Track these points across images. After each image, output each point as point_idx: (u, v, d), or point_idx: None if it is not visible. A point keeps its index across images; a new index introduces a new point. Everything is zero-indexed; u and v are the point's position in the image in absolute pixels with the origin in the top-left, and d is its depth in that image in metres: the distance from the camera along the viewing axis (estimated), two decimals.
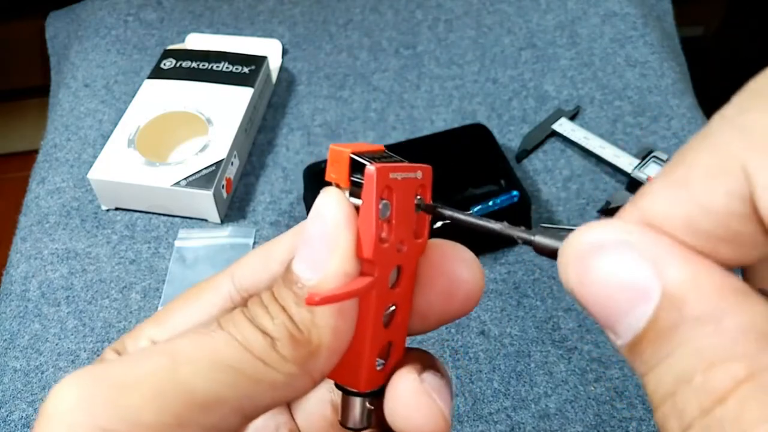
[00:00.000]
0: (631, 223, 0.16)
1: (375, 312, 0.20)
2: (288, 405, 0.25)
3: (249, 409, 0.19)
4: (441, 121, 0.70)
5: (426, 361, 0.23)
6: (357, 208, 0.19)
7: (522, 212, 0.58)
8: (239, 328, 0.19)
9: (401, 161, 0.20)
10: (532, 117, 0.70)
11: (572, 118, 0.68)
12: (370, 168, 0.19)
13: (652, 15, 0.81)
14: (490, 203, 0.57)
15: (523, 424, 0.49)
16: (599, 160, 0.64)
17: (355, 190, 0.20)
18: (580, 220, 0.61)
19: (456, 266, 0.22)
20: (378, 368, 0.22)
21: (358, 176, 0.19)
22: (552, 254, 0.19)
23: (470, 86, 0.73)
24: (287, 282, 0.20)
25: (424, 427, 0.21)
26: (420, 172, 0.21)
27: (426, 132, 0.68)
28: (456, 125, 0.67)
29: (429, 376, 0.22)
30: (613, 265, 0.16)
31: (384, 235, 0.20)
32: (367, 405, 0.22)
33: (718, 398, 0.14)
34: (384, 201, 0.19)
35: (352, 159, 0.20)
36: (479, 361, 0.53)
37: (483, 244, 0.59)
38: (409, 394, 0.21)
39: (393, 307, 0.21)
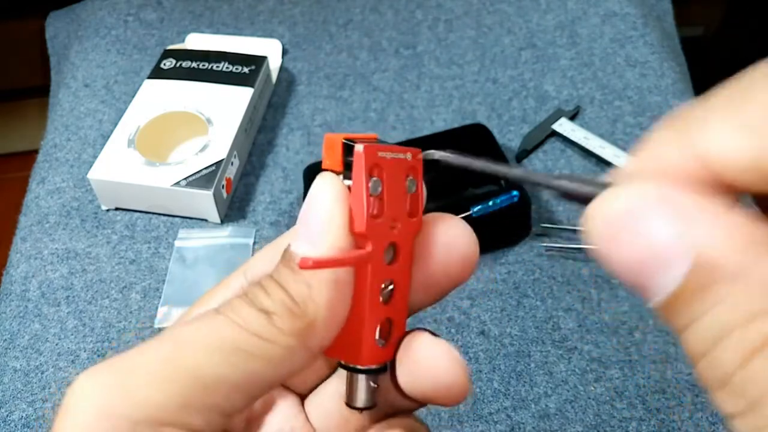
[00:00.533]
0: (673, 169, 0.16)
1: (371, 286, 0.21)
2: (302, 404, 0.25)
3: (252, 387, 0.20)
4: (441, 121, 0.70)
5: (427, 331, 0.23)
6: (350, 189, 0.20)
7: (522, 212, 0.58)
8: (236, 310, 0.20)
9: (391, 145, 0.21)
10: (532, 117, 0.70)
11: (572, 118, 0.68)
12: (359, 147, 0.20)
13: (652, 15, 0.81)
14: (490, 203, 0.57)
15: (523, 424, 0.49)
16: (599, 160, 0.64)
17: (347, 172, 0.21)
18: (580, 220, 0.61)
19: (449, 232, 0.23)
20: (380, 346, 0.22)
21: (350, 158, 0.20)
22: (580, 198, 0.19)
23: (470, 86, 0.73)
24: (285, 261, 0.21)
25: (448, 380, 0.22)
26: (410, 154, 0.22)
27: (426, 132, 0.68)
28: (456, 125, 0.67)
29: (438, 338, 0.23)
30: (644, 228, 0.16)
31: (375, 211, 0.20)
32: (371, 383, 0.22)
33: (757, 348, 0.14)
34: (374, 178, 0.20)
35: (344, 144, 0.21)
36: (479, 361, 0.53)
37: (483, 243, 0.59)
38: (428, 349, 0.22)
39: (391, 286, 0.22)
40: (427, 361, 0.22)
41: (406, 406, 0.25)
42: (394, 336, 0.22)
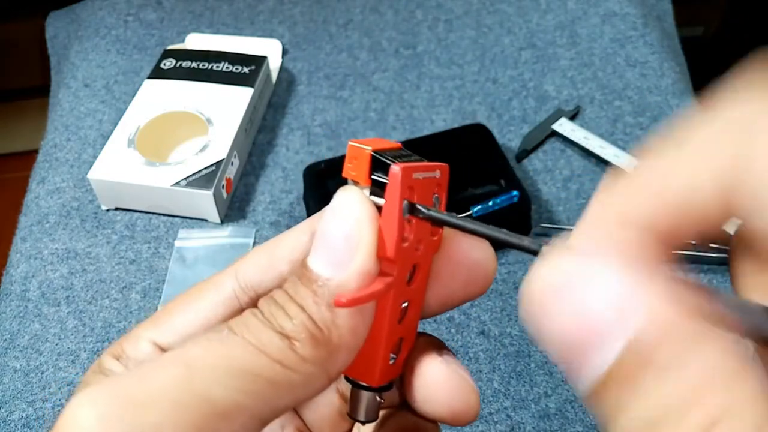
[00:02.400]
0: (599, 237, 0.16)
1: (392, 310, 0.20)
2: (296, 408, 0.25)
3: (267, 413, 0.19)
4: (441, 121, 0.70)
5: (436, 345, 0.23)
6: (377, 207, 0.19)
7: (522, 212, 0.58)
8: (254, 331, 0.19)
9: (420, 160, 0.20)
10: (532, 117, 0.70)
11: (572, 118, 0.68)
12: (395, 168, 0.19)
13: (652, 15, 0.81)
14: (490, 203, 0.57)
15: (523, 424, 0.49)
16: (599, 160, 0.64)
17: (376, 189, 0.20)
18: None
19: (471, 253, 0.22)
20: (390, 364, 0.22)
21: (380, 175, 0.20)
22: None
23: (470, 86, 0.73)
24: (305, 280, 0.19)
25: (461, 406, 0.22)
26: (438, 171, 0.21)
27: (426, 132, 0.68)
28: (456, 125, 0.67)
29: (449, 357, 0.22)
30: (579, 300, 0.15)
31: (405, 234, 0.20)
32: (378, 398, 0.22)
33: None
34: (406, 201, 0.19)
35: (373, 157, 0.20)
36: (479, 361, 0.53)
37: None
38: (441, 378, 0.22)
39: (406, 304, 0.21)
40: (440, 389, 0.22)
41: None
42: (403, 352, 0.22)
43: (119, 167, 0.61)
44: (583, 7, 0.80)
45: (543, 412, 0.50)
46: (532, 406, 0.50)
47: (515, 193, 0.58)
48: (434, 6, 0.83)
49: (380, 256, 0.19)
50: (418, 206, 0.20)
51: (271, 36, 0.80)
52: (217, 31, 0.81)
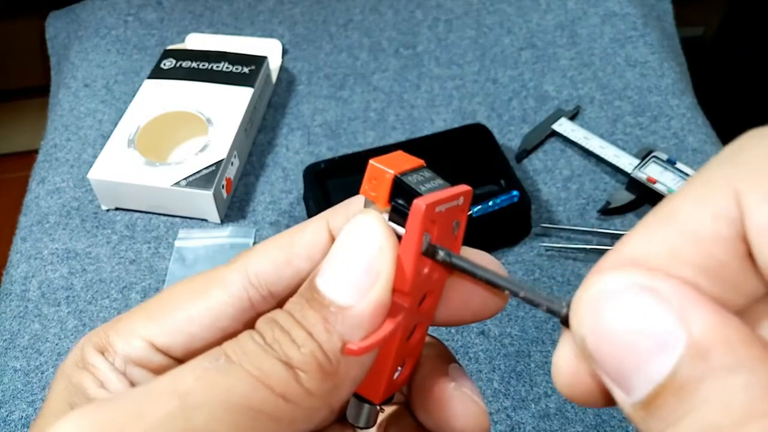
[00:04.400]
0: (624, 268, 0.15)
1: (401, 336, 0.20)
2: None
3: None
4: (441, 121, 0.70)
5: (445, 359, 0.22)
6: (396, 235, 0.19)
7: (522, 212, 0.58)
8: (254, 360, 0.17)
9: (444, 185, 0.20)
10: (532, 117, 0.70)
11: (572, 118, 0.68)
12: (420, 204, 0.18)
13: (652, 15, 0.81)
14: (490, 203, 0.57)
15: (523, 424, 0.49)
16: (599, 160, 0.64)
17: (394, 215, 0.19)
18: (580, 220, 0.61)
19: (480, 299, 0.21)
20: (394, 379, 0.21)
21: (401, 203, 0.19)
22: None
23: (470, 86, 0.73)
24: (316, 304, 0.18)
25: (474, 429, 0.21)
26: (462, 198, 0.20)
27: (426, 132, 0.68)
28: (456, 125, 0.67)
29: (459, 376, 0.22)
30: (632, 311, 0.14)
31: (421, 267, 0.19)
32: (379, 409, 0.21)
33: None
34: (426, 234, 0.19)
35: (395, 182, 0.19)
36: (479, 361, 0.53)
37: (483, 243, 0.59)
38: (456, 406, 0.21)
39: (415, 324, 0.21)
40: (453, 415, 0.21)
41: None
42: (408, 365, 0.22)
43: (119, 167, 0.60)
44: (583, 7, 0.80)
45: (543, 412, 0.50)
46: (532, 406, 0.50)
47: (515, 193, 0.58)
48: (434, 6, 0.83)
49: (396, 288, 0.18)
50: (438, 249, 0.19)
51: (271, 36, 0.80)
52: (217, 31, 0.81)
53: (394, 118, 0.71)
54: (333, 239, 0.20)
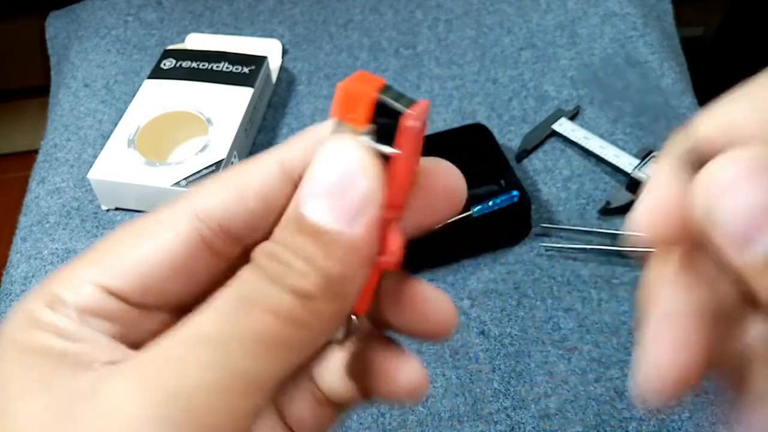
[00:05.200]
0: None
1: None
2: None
3: (288, 375, 0.18)
4: (441, 121, 0.70)
5: (407, 276, 0.23)
6: (388, 159, 0.19)
7: (522, 212, 0.58)
8: (267, 295, 0.18)
9: (412, 100, 0.20)
10: (532, 117, 0.70)
11: (572, 118, 0.68)
12: (415, 123, 0.19)
13: (652, 15, 0.81)
14: (490, 203, 0.57)
15: (523, 424, 0.49)
16: (599, 160, 0.64)
17: (379, 134, 0.19)
18: (580, 220, 0.61)
19: (446, 181, 0.22)
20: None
21: (384, 121, 0.19)
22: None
23: (470, 86, 0.73)
24: (309, 234, 0.18)
25: (444, 318, 0.23)
26: (426, 111, 0.21)
27: (426, 132, 0.68)
28: (456, 125, 0.67)
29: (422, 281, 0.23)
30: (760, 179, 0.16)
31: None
32: (354, 318, 0.21)
33: None
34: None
35: (378, 103, 0.19)
36: (479, 361, 0.53)
37: (483, 243, 0.59)
38: (429, 297, 0.22)
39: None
40: (422, 303, 0.22)
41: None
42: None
43: (119, 167, 0.60)
44: (583, 7, 0.80)
45: (543, 412, 0.50)
46: (532, 406, 0.50)
47: (515, 193, 0.58)
48: (434, 6, 0.83)
49: (388, 203, 0.19)
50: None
51: (271, 36, 0.80)
52: (217, 31, 0.81)
53: None
54: (286, 175, 0.20)
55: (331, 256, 0.18)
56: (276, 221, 0.20)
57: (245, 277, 0.18)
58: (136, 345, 0.19)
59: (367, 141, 0.19)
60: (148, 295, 0.20)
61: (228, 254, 0.21)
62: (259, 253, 0.19)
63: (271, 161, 0.20)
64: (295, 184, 0.20)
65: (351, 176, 0.18)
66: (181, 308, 0.20)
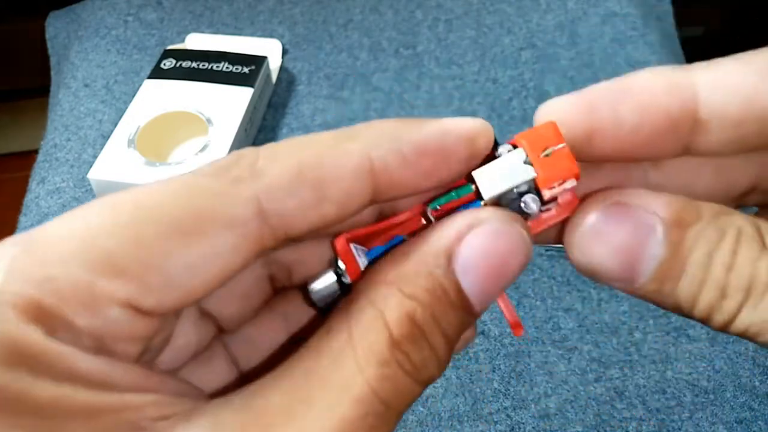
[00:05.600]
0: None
1: None
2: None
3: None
4: None
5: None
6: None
7: None
8: (399, 392, 0.15)
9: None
10: (532, 117, 0.70)
11: None
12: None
13: (652, 15, 0.81)
14: None
15: (523, 424, 0.49)
16: None
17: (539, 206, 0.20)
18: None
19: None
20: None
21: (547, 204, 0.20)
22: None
23: (470, 86, 0.73)
24: (462, 309, 0.17)
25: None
26: None
27: None
28: None
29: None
30: (615, 225, 0.18)
31: None
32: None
33: (732, 254, 0.17)
34: None
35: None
36: (479, 361, 0.53)
37: None
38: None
39: None
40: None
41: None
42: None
43: (119, 167, 0.61)
44: (583, 7, 0.80)
45: (543, 412, 0.50)
46: (532, 406, 0.50)
47: None
48: (434, 6, 0.83)
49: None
50: None
51: (271, 36, 0.80)
52: (217, 31, 0.81)
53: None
54: (370, 174, 0.17)
55: (460, 336, 0.18)
56: (339, 223, 0.17)
57: (381, 362, 0.15)
58: (144, 356, 0.16)
59: (536, 206, 0.19)
60: (181, 306, 0.15)
61: (275, 248, 0.17)
62: (401, 324, 0.15)
63: (361, 157, 0.17)
64: (377, 186, 0.17)
65: (511, 258, 0.18)
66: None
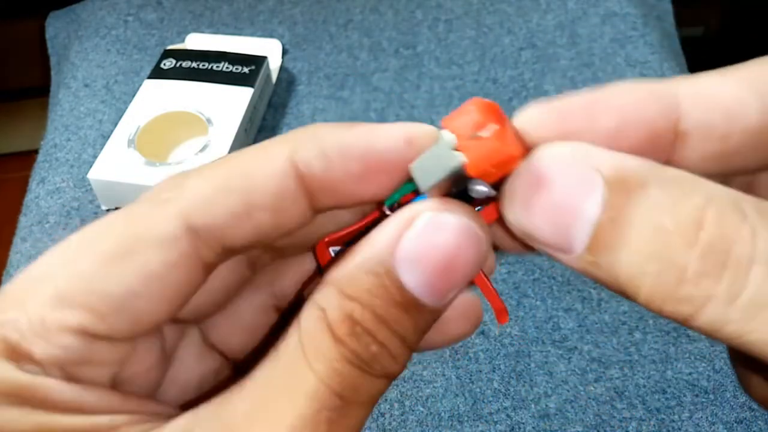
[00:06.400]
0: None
1: None
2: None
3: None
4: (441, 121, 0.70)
5: None
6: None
7: None
8: (358, 387, 0.16)
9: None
10: None
11: None
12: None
13: (652, 15, 0.81)
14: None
15: (523, 424, 0.49)
16: None
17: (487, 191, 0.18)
18: None
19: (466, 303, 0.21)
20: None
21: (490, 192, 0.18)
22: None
23: (470, 86, 0.73)
24: (409, 308, 0.16)
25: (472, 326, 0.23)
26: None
27: None
28: None
29: None
30: (552, 182, 0.16)
31: None
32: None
33: (696, 224, 0.14)
34: None
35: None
36: (479, 361, 0.53)
37: None
38: None
39: None
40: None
41: None
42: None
43: (119, 167, 0.61)
44: (583, 7, 0.80)
45: (543, 412, 0.50)
46: (532, 406, 0.50)
47: None
48: (434, 6, 0.83)
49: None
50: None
51: (271, 36, 0.80)
52: (217, 31, 0.81)
53: (394, 118, 0.71)
54: (298, 177, 0.17)
55: (420, 331, 0.17)
56: (280, 234, 0.17)
57: (328, 353, 0.16)
58: (120, 378, 0.17)
59: (486, 190, 0.17)
60: (137, 328, 0.16)
61: (217, 262, 0.18)
62: (341, 324, 0.16)
63: (282, 159, 0.17)
64: (311, 192, 0.17)
65: (456, 249, 0.17)
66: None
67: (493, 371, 0.52)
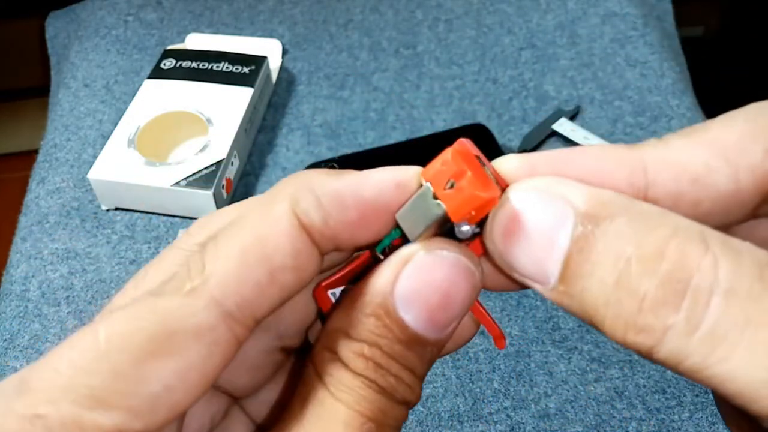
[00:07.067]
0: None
1: None
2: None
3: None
4: (441, 121, 0.70)
5: None
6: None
7: None
8: (386, 413, 0.18)
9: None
10: (532, 117, 0.70)
11: (572, 118, 0.68)
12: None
13: (652, 15, 0.81)
14: None
15: (523, 424, 0.49)
16: None
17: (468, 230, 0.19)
18: None
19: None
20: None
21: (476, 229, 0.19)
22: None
23: (470, 86, 0.73)
24: (412, 343, 0.18)
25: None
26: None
27: (426, 132, 0.68)
28: (456, 125, 0.67)
29: None
30: (530, 212, 0.17)
31: None
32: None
33: (658, 254, 0.15)
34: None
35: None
36: (479, 361, 0.53)
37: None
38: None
39: None
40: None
41: None
42: None
43: (119, 167, 0.61)
44: (583, 7, 0.80)
45: (543, 412, 0.50)
46: (532, 406, 0.50)
47: None
48: (434, 6, 0.83)
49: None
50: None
51: (271, 36, 0.80)
52: (217, 31, 0.81)
53: (394, 118, 0.71)
54: (306, 231, 0.18)
55: (426, 362, 0.18)
56: (303, 286, 0.18)
57: (342, 377, 0.17)
58: None
59: (470, 229, 0.18)
60: (171, 417, 0.16)
61: (249, 335, 0.18)
62: (355, 360, 0.18)
63: (289, 217, 0.17)
64: (314, 240, 0.18)
65: (451, 285, 0.18)
66: None
67: (493, 371, 0.52)
